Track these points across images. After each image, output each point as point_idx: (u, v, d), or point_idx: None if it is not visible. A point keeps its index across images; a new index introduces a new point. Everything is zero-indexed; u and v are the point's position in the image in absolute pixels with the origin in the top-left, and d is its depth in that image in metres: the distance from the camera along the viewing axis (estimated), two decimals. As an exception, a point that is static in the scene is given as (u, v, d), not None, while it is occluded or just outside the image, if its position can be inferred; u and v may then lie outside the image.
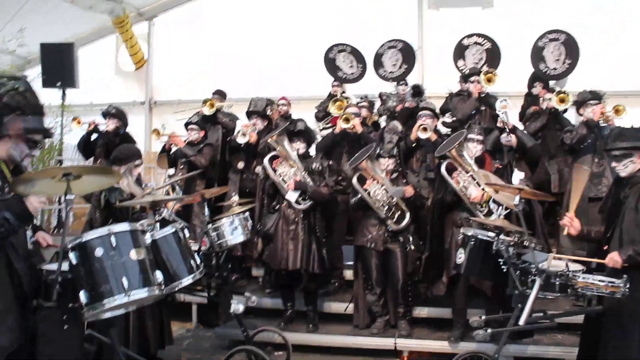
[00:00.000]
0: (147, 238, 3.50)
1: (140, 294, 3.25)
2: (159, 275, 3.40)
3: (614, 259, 3.81)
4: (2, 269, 3.18)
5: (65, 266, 3.18)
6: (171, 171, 7.02)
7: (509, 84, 8.05)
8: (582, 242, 4.94)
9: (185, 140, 7.03)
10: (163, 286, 3.43)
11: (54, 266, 3.38)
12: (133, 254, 3.29)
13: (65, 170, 3.12)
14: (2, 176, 3.25)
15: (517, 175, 5.37)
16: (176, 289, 3.86)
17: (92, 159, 7.69)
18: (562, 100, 6.55)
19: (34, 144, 3.37)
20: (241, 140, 6.76)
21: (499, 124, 6.10)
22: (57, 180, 3.13)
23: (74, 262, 3.19)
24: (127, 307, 3.47)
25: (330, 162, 6.29)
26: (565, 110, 6.91)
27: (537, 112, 7.14)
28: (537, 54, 7.73)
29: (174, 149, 7.08)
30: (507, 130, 6.00)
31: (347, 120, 6.38)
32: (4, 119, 3.24)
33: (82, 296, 3.13)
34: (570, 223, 4.16)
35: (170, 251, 3.85)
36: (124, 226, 3.40)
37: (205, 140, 7.14)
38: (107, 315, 3.37)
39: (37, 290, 3.32)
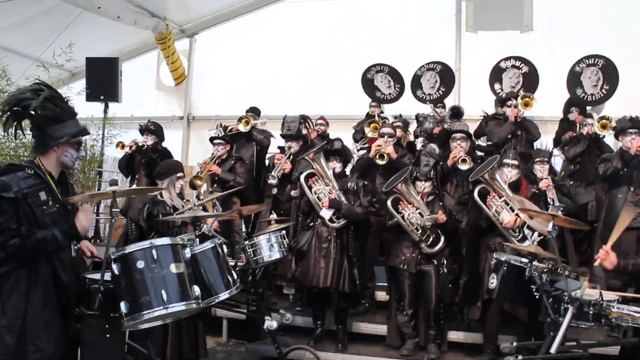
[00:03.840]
0: (187, 252, 3.58)
1: (179, 307, 3.34)
2: (196, 290, 3.48)
3: None
4: (48, 280, 3.30)
5: (107, 276, 3.30)
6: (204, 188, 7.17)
7: (545, 109, 8.03)
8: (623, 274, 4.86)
9: (211, 156, 7.13)
10: (200, 300, 3.51)
11: (96, 275, 3.50)
12: (173, 268, 3.38)
13: (112, 189, 3.28)
14: (49, 189, 3.36)
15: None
16: (213, 304, 3.94)
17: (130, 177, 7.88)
18: (603, 127, 6.48)
19: (79, 145, 3.52)
20: (274, 182, 6.85)
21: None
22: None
23: (117, 272, 3.29)
24: (165, 319, 3.55)
25: (365, 182, 6.35)
26: (604, 135, 6.83)
27: (577, 137, 7.05)
28: (573, 79, 7.70)
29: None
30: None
31: (382, 157, 6.37)
32: (47, 131, 3.38)
33: (123, 306, 3.23)
34: (606, 257, 4.09)
35: (208, 266, 3.91)
36: (165, 240, 3.51)
37: (234, 154, 7.23)
38: (145, 326, 3.45)
39: (79, 298, 3.44)
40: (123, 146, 7.76)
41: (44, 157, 3.42)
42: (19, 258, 3.22)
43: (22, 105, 3.36)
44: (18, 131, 3.45)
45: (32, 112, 3.35)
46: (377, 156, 6.39)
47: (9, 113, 3.39)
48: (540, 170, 5.79)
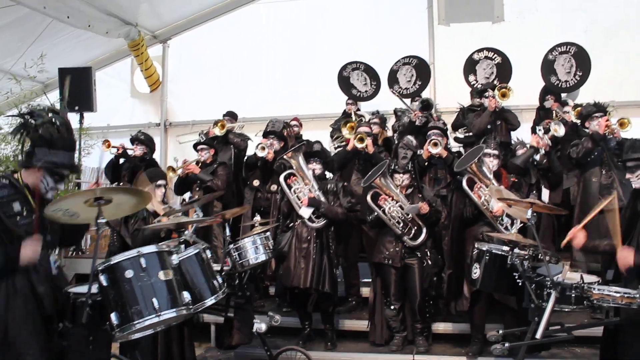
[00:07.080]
0: (174, 259, 3.58)
1: (170, 314, 3.33)
2: (186, 295, 3.48)
3: (626, 257, 3.74)
4: (27, 294, 3.27)
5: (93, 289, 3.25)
6: (187, 195, 7.13)
7: (521, 97, 8.10)
8: (595, 255, 4.96)
9: (196, 161, 7.09)
10: (191, 306, 3.51)
11: (79, 289, 3.48)
12: (162, 275, 3.38)
13: (96, 194, 3.22)
14: (25, 201, 3.36)
15: (546, 193, 5.43)
16: (200, 309, 3.93)
17: (116, 183, 7.82)
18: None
19: (60, 178, 3.48)
20: (260, 153, 6.76)
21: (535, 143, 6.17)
22: (89, 205, 3.24)
23: (105, 284, 3.27)
24: (156, 327, 3.53)
25: (345, 184, 6.34)
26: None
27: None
28: (547, 67, 7.77)
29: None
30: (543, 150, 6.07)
31: (361, 140, 6.39)
32: (36, 150, 3.37)
33: (113, 317, 3.20)
34: (574, 235, 4.17)
35: (194, 272, 3.93)
36: (151, 247, 3.49)
37: (218, 159, 7.20)
38: (137, 335, 3.43)
39: (62, 313, 3.40)
40: (109, 145, 7.68)
41: (26, 172, 3.42)
42: None
43: (33, 118, 3.41)
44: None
45: (36, 128, 3.38)
46: (358, 139, 6.39)
47: (21, 120, 3.44)
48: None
